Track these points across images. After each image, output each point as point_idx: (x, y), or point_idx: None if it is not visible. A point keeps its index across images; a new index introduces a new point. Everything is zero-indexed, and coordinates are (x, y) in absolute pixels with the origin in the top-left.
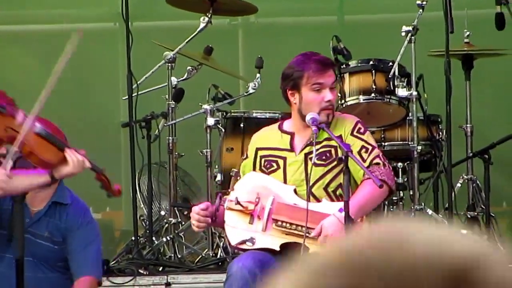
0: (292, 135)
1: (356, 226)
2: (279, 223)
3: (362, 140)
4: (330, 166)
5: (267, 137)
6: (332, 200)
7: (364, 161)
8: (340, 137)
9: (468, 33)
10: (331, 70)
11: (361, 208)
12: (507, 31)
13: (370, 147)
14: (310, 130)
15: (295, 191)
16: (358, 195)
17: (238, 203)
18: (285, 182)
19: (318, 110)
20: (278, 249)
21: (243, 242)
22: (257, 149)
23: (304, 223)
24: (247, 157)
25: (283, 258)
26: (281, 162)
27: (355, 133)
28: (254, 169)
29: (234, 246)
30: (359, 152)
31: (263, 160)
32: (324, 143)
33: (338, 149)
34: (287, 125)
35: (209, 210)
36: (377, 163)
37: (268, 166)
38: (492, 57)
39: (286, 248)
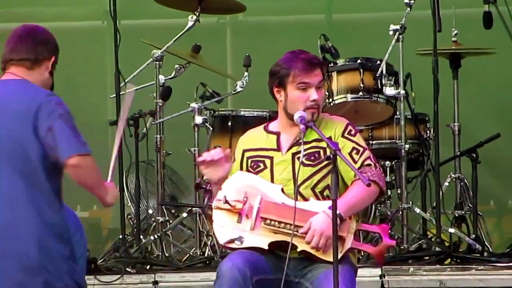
0: (278, 134)
1: (344, 223)
2: (268, 221)
3: (353, 141)
4: (318, 167)
5: (253, 139)
6: (319, 200)
7: (356, 162)
8: (329, 138)
9: (455, 32)
10: (318, 69)
11: (351, 207)
12: (494, 30)
13: (361, 149)
14: (296, 129)
15: (282, 190)
16: (348, 195)
17: (226, 202)
18: (272, 181)
19: (303, 108)
20: (266, 247)
21: (232, 241)
22: (244, 151)
23: (293, 222)
24: (234, 160)
25: (272, 257)
26: (268, 162)
27: (345, 134)
28: (241, 170)
29: (222, 245)
30: (350, 154)
31: (249, 161)
32: (313, 144)
33: (327, 150)
34: (273, 125)
35: (225, 153)
36: (369, 164)
37: (255, 166)
38: (480, 56)
39: (274, 246)
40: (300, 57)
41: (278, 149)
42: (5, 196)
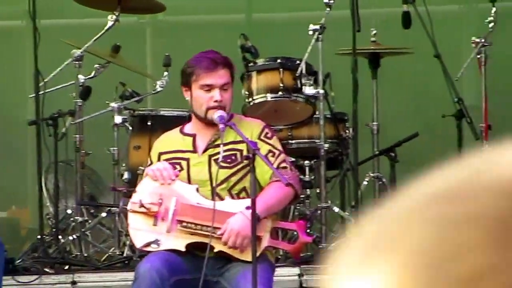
0: (194, 136)
1: (261, 222)
2: (184, 224)
3: (269, 144)
4: (235, 169)
5: (168, 141)
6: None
7: (271, 165)
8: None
9: (374, 31)
10: (223, 70)
11: (268, 207)
12: (413, 30)
13: (277, 152)
14: (212, 130)
15: (197, 190)
16: (265, 195)
17: (142, 205)
18: (189, 183)
19: (206, 108)
20: (183, 249)
21: (148, 244)
22: (160, 154)
23: (209, 223)
24: (151, 163)
25: (190, 257)
26: (184, 163)
27: (262, 137)
28: None
29: (139, 248)
30: (265, 156)
31: None
32: (230, 146)
33: (244, 153)
34: (188, 127)
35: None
36: (284, 167)
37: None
38: (399, 55)
39: (192, 247)
40: (207, 56)
41: (195, 150)
42: None
